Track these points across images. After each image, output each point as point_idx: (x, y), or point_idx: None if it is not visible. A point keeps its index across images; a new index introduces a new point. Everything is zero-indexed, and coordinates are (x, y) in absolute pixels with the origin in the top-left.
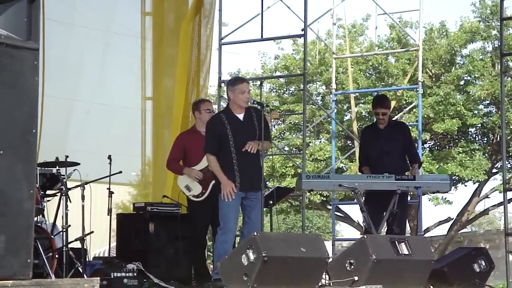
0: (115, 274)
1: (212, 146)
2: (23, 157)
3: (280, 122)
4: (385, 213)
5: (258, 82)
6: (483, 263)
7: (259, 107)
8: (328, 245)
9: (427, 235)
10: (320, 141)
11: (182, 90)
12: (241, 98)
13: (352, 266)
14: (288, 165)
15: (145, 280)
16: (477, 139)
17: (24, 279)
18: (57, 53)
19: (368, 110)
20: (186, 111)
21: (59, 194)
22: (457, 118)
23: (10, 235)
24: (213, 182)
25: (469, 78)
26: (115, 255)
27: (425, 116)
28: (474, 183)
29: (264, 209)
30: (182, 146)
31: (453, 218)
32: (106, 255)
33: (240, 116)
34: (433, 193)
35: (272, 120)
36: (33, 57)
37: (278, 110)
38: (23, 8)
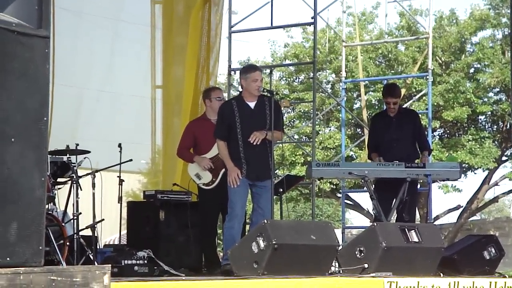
0: (125, 261)
1: (222, 132)
2: (34, 145)
3: (290, 110)
4: (394, 200)
5: (268, 70)
6: (493, 251)
7: (268, 95)
8: (338, 233)
9: (436, 222)
10: (330, 129)
11: (192, 78)
12: (253, 86)
13: (362, 254)
14: (298, 153)
15: (155, 267)
16: (486, 127)
17: (35, 266)
18: (67, 41)
19: (378, 98)
20: (195, 99)
21: (70, 182)
22: (467, 106)
23: (22, 223)
24: (223, 170)
25: (479, 65)
26: (125, 243)
27: (435, 104)
28: (483, 171)
29: (274, 197)
30: (193, 134)
31: (463, 206)
32: (117, 242)
33: (251, 104)
34: (443, 180)
35: (282, 108)
36: (44, 45)
37: (288, 98)
38: None
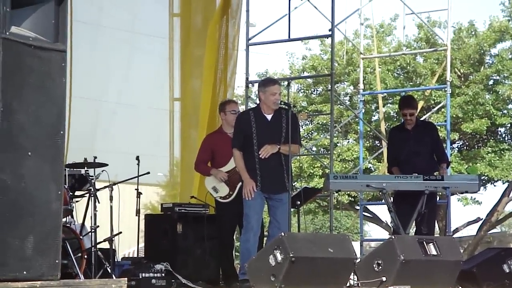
0: (143, 274)
1: (239, 141)
2: (51, 159)
3: (308, 123)
4: (413, 213)
5: (286, 83)
6: None
7: (286, 107)
8: (356, 245)
9: (456, 235)
10: (348, 142)
11: (209, 91)
12: (271, 99)
13: (380, 267)
14: (316, 166)
15: (173, 280)
16: (506, 139)
17: (52, 280)
18: (84, 54)
19: (396, 110)
20: (213, 112)
21: (87, 195)
22: (486, 118)
23: (39, 236)
24: (240, 183)
25: (498, 77)
26: (143, 256)
27: (454, 116)
28: (503, 183)
29: (292, 209)
30: (210, 148)
31: (482, 219)
32: (135, 255)
33: (269, 117)
34: (462, 193)
35: (300, 121)
36: (60, 58)
37: (306, 111)
38: (51, 10)
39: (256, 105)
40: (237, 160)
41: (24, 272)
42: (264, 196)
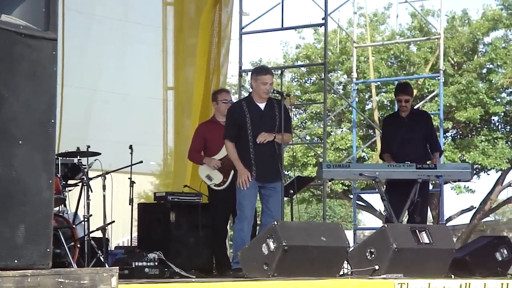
0: (136, 263)
1: (231, 133)
2: (41, 147)
3: (302, 111)
4: (406, 202)
5: (279, 72)
6: (505, 252)
7: (279, 96)
8: (350, 234)
9: (449, 224)
10: (342, 130)
11: (202, 80)
12: (262, 88)
13: (373, 255)
14: (309, 155)
15: (166, 269)
16: (499, 127)
17: (43, 268)
18: (77, 42)
19: (390, 99)
20: (206, 101)
21: (80, 184)
22: (480, 107)
23: (30, 225)
24: (233, 171)
25: (491, 66)
26: (136, 245)
27: (448, 104)
28: (497, 172)
29: (285, 198)
30: (202, 136)
31: (475, 207)
32: (128, 244)
33: (261, 106)
34: (455, 181)
35: (291, 106)
36: (51, 47)
37: (294, 95)
38: None
39: (248, 94)
40: (230, 152)
41: (15, 261)
42: (258, 185)
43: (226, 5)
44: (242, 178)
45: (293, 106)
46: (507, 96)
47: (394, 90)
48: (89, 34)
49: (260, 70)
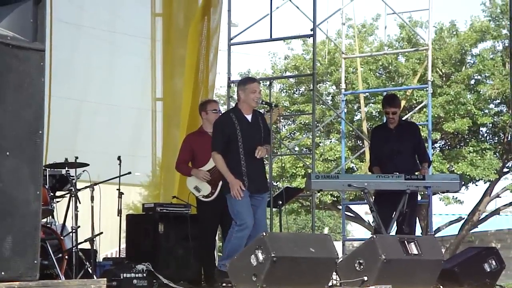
0: (124, 274)
1: (220, 144)
2: (29, 158)
3: (290, 122)
4: (394, 213)
5: (268, 82)
6: (494, 263)
7: (267, 106)
8: (339, 245)
9: (438, 234)
10: (331, 141)
11: (190, 90)
12: (251, 97)
13: (362, 266)
14: (298, 165)
15: (154, 281)
16: (487, 138)
17: (30, 280)
18: (65, 54)
19: (379, 110)
20: (193, 112)
21: (68, 195)
22: (468, 118)
23: (17, 236)
24: (221, 182)
25: (479, 77)
26: (125, 256)
27: (436, 115)
28: (485, 183)
29: (274, 209)
30: (190, 148)
31: (464, 218)
32: (117, 256)
33: (249, 117)
34: (443, 192)
35: (279, 117)
36: (39, 58)
37: (283, 106)
38: (29, 9)
39: (234, 106)
40: (219, 164)
41: (2, 273)
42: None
43: (215, 17)
44: (234, 189)
45: (281, 117)
46: (495, 107)
47: (381, 102)
48: (77, 45)
49: (247, 80)
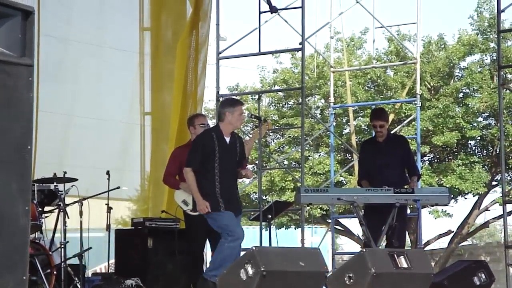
0: None
1: (197, 162)
2: (18, 174)
3: (279, 136)
4: (384, 226)
5: (257, 96)
6: (483, 276)
7: (256, 120)
8: (328, 259)
9: (427, 248)
10: (320, 155)
11: (178, 105)
12: (238, 119)
13: (351, 280)
14: (287, 179)
15: None
16: (476, 151)
17: None
18: (53, 68)
19: (367, 123)
20: (182, 126)
21: (57, 210)
22: (456, 131)
23: (6, 253)
24: None
25: (467, 90)
26: (114, 271)
27: (424, 129)
28: (474, 196)
29: (263, 223)
30: (178, 161)
31: (453, 231)
32: (105, 271)
33: (227, 139)
34: (432, 206)
35: (268, 131)
36: (27, 73)
37: (272, 121)
38: (17, 24)
39: (215, 125)
40: (191, 181)
41: None
42: None
43: (203, 31)
44: (202, 207)
45: (270, 131)
46: (483, 120)
47: (369, 115)
48: (64, 59)
49: (235, 102)
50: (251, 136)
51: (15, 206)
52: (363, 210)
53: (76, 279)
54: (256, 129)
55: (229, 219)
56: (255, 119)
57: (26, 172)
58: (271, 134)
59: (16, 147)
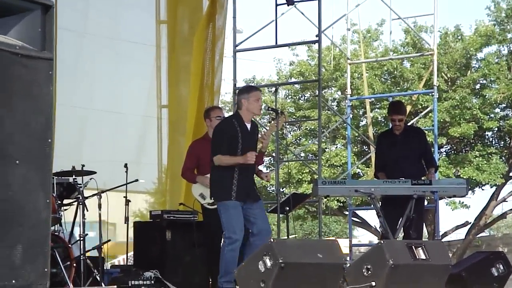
0: (132, 282)
1: (224, 148)
2: (39, 167)
3: (296, 128)
4: (401, 218)
5: (273, 89)
6: (501, 267)
7: (273, 113)
8: (346, 250)
9: (445, 239)
10: (336, 147)
11: (195, 97)
12: (255, 105)
13: (369, 272)
14: (304, 171)
15: (162, 287)
16: (493, 142)
17: None
18: (70, 62)
19: (384, 115)
20: (199, 119)
21: (76, 203)
22: (473, 122)
23: (27, 245)
24: None
25: (484, 81)
26: (132, 263)
27: (441, 120)
28: (491, 187)
29: (281, 215)
30: (196, 155)
31: (471, 222)
32: (124, 263)
33: (248, 126)
34: (450, 197)
35: (285, 123)
36: (47, 66)
37: (289, 113)
38: (37, 18)
39: (234, 113)
40: (225, 159)
41: (13, 281)
42: (241, 205)
43: (220, 23)
44: (248, 157)
45: (287, 123)
46: (500, 111)
47: (387, 108)
48: (82, 53)
49: (250, 88)
50: (268, 128)
51: (36, 199)
52: (380, 202)
53: (95, 271)
54: (273, 121)
55: (232, 218)
56: (271, 112)
57: (46, 165)
58: (287, 126)
59: (37, 141)
